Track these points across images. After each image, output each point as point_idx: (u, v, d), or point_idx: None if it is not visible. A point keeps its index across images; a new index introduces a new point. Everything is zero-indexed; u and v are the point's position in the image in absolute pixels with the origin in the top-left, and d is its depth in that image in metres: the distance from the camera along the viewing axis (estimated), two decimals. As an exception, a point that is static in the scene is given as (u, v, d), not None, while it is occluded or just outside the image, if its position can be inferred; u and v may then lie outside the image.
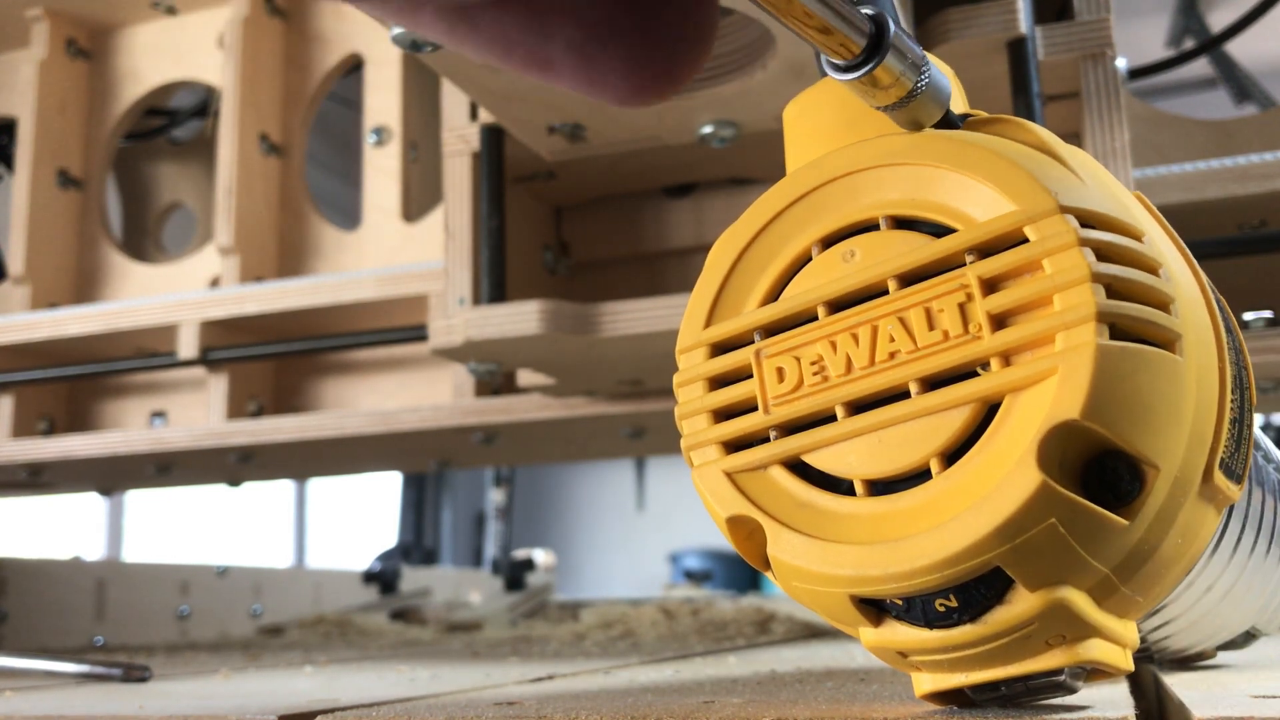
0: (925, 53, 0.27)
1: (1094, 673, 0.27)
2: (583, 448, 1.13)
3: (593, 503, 5.56)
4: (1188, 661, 0.40)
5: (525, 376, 0.84)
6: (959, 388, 0.26)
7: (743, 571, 4.67)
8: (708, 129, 0.68)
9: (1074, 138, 0.68)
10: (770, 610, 1.02)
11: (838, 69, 0.26)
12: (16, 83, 1.15)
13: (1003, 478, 0.25)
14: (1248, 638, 0.38)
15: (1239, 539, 0.31)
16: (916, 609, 0.26)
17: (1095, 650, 0.26)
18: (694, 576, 4.48)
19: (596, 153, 0.73)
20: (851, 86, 0.26)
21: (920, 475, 0.26)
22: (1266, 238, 0.74)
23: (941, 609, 0.26)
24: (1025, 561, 0.25)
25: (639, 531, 5.39)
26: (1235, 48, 1.51)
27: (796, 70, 0.61)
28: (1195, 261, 0.28)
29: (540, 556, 2.04)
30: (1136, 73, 0.94)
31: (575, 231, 0.88)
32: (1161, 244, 0.27)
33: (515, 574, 1.93)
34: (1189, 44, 1.83)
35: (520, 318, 0.69)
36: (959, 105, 0.30)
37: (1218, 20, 1.74)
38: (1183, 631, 0.35)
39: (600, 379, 0.83)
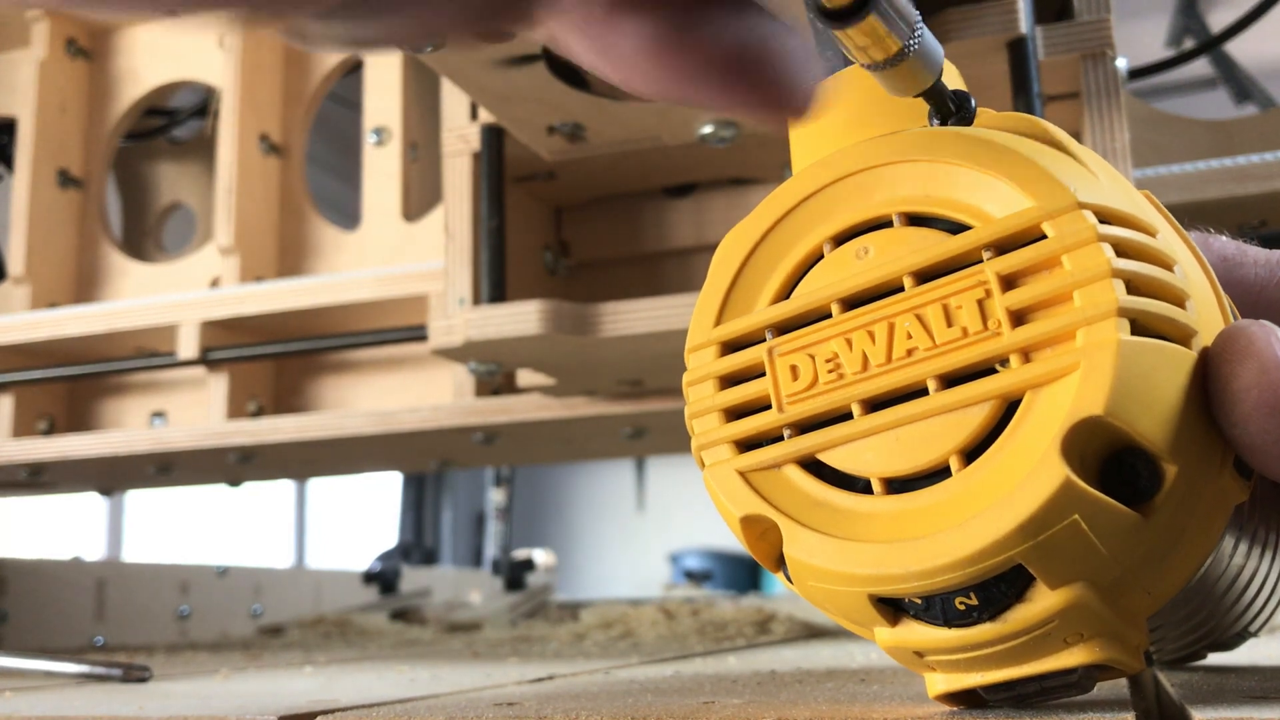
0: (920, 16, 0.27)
1: (1104, 671, 0.27)
2: (583, 448, 1.13)
3: (593, 503, 5.56)
4: (1180, 662, 0.40)
5: (525, 376, 0.84)
6: (978, 384, 0.26)
7: (743, 571, 4.67)
8: (708, 129, 0.68)
9: (1074, 138, 0.68)
10: (770, 610, 1.02)
11: (829, 17, 0.26)
12: (16, 83, 1.15)
13: (1026, 474, 0.24)
14: (1239, 638, 0.38)
15: (1238, 536, 0.31)
16: (936, 608, 0.26)
17: (1110, 648, 0.26)
18: (694, 576, 4.48)
19: (596, 153, 0.73)
20: (842, 39, 0.26)
21: (940, 473, 0.26)
22: (1266, 238, 0.74)
23: (962, 607, 0.26)
24: (1047, 559, 0.25)
25: (639, 531, 5.39)
26: (1235, 48, 1.51)
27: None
28: (1204, 258, 0.28)
29: (540, 556, 2.04)
30: (1136, 73, 0.94)
31: (575, 231, 0.88)
32: (1173, 240, 0.27)
33: (515, 574, 1.94)
34: (1189, 44, 1.83)
35: (520, 318, 0.69)
36: (956, 84, 0.30)
37: (1218, 20, 1.74)
38: (1180, 630, 0.35)
39: (600, 379, 0.83)
